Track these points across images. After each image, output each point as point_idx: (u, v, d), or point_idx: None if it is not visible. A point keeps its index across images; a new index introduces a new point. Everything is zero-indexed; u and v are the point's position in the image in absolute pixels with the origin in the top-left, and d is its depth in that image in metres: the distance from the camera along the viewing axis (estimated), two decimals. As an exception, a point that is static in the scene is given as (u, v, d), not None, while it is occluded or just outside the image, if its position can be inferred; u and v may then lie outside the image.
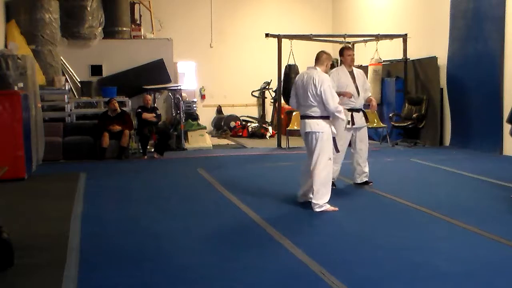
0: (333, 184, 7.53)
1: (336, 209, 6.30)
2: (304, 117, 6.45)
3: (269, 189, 7.58)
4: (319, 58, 6.45)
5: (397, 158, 10.54)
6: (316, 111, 6.32)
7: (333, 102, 6.25)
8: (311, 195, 6.42)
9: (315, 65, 6.46)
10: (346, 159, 7.73)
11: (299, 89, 6.46)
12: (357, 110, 7.56)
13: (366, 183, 7.72)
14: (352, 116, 7.45)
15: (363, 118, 7.65)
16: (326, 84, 6.25)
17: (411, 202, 6.67)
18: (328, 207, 6.28)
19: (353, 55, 7.67)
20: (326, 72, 6.49)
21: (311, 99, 6.29)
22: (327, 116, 6.33)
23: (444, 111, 12.36)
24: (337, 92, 7.00)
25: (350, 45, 7.89)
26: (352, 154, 7.74)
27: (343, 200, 7.02)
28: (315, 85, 6.23)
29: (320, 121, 6.31)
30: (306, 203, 6.52)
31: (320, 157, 6.28)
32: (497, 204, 6.59)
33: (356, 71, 7.68)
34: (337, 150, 6.58)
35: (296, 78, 6.72)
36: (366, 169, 7.74)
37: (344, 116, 6.44)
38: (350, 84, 7.50)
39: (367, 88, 7.77)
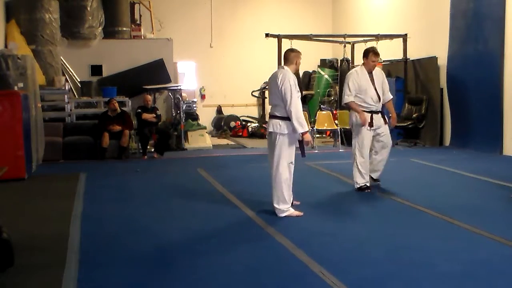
0: (368, 187, 7.39)
1: (301, 214, 6.09)
2: (270, 116, 6.25)
3: (269, 189, 7.55)
4: (287, 57, 6.20)
5: (397, 158, 10.51)
6: (280, 110, 6.05)
7: (293, 102, 5.89)
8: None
9: (284, 64, 6.23)
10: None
11: (269, 89, 6.35)
12: (377, 112, 7.42)
13: (374, 180, 7.57)
14: (371, 118, 7.32)
15: (381, 119, 7.46)
16: (288, 82, 5.94)
17: (411, 202, 6.67)
18: (291, 211, 6.08)
19: (377, 62, 7.42)
20: (297, 70, 6.30)
21: (275, 97, 6.09)
22: (287, 118, 5.98)
23: (444, 111, 12.36)
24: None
25: (377, 49, 7.60)
26: (372, 150, 7.54)
27: (343, 200, 7.03)
28: (277, 83, 6.01)
29: (283, 122, 6.01)
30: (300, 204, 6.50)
31: (280, 160, 6.03)
32: (497, 204, 6.60)
33: (375, 72, 7.45)
34: (303, 154, 6.23)
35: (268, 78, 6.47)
36: (382, 168, 7.57)
37: (301, 127, 5.92)
38: (369, 88, 7.32)
39: (385, 90, 7.54)
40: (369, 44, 13.40)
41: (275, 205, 6.08)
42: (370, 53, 7.35)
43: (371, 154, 7.54)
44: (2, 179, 6.95)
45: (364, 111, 7.34)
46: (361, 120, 7.32)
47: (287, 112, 5.96)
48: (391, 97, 7.69)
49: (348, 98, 7.38)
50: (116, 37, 13.63)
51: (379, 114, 7.47)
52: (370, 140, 7.40)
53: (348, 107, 7.54)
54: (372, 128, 7.36)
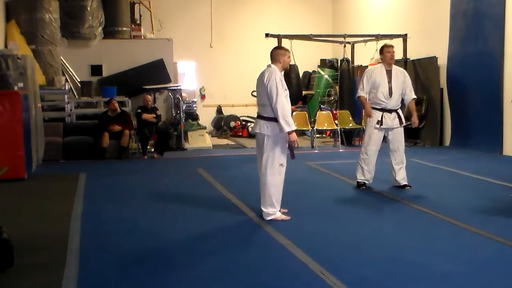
0: (364, 185, 7.46)
1: (288, 218, 5.90)
2: (257, 116, 6.10)
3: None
4: (272, 55, 6.01)
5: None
6: (267, 111, 5.83)
7: (278, 100, 5.68)
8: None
9: (270, 63, 6.00)
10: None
11: (256, 89, 6.16)
12: (389, 111, 7.34)
13: (403, 186, 7.46)
14: (382, 116, 7.30)
15: (397, 119, 7.36)
16: (273, 80, 5.73)
17: (411, 202, 6.67)
18: (278, 215, 5.88)
19: (393, 52, 7.40)
20: (285, 68, 6.04)
21: (263, 97, 5.86)
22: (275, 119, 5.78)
23: (444, 111, 12.36)
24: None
25: (391, 43, 7.64)
26: (389, 155, 7.52)
27: (342, 200, 7.03)
28: (263, 81, 5.83)
29: (270, 123, 5.81)
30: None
31: (269, 162, 5.82)
32: (497, 204, 6.59)
33: (396, 71, 7.43)
34: (292, 156, 5.95)
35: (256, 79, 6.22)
36: (402, 172, 7.46)
37: (288, 126, 5.70)
38: (383, 83, 7.29)
39: (407, 89, 7.43)
40: (369, 44, 13.47)
41: (262, 208, 5.93)
42: (383, 47, 7.42)
43: (390, 161, 7.49)
44: (2, 179, 6.92)
45: (375, 108, 7.34)
46: (366, 112, 7.37)
47: (273, 111, 5.77)
48: (413, 97, 7.54)
49: (359, 92, 7.46)
50: (116, 37, 13.63)
51: (393, 114, 7.36)
52: (379, 139, 7.38)
53: (359, 102, 7.58)
54: (381, 127, 7.32)
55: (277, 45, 6.46)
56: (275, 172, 5.85)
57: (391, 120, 7.35)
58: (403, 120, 7.47)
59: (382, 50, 7.43)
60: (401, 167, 7.47)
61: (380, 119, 7.30)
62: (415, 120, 7.59)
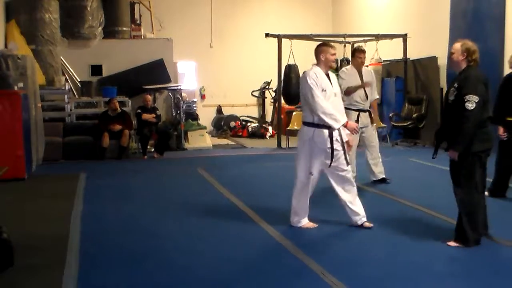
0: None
1: (315, 226, 5.68)
2: None
3: (269, 190, 7.58)
4: (315, 53, 5.52)
5: (397, 158, 10.52)
6: (304, 115, 5.59)
7: (316, 101, 5.27)
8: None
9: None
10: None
11: None
12: (364, 111, 7.65)
13: (383, 180, 7.78)
14: (358, 116, 7.52)
15: (369, 118, 7.70)
16: (305, 82, 5.35)
17: (410, 202, 6.68)
18: (305, 223, 5.67)
19: (364, 58, 7.68)
20: (328, 65, 5.48)
21: (301, 100, 5.65)
22: (310, 123, 5.44)
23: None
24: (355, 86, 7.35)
25: (363, 47, 7.90)
26: (365, 152, 7.82)
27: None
28: (300, 84, 5.55)
29: (303, 128, 5.54)
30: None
31: (297, 170, 5.61)
32: (496, 204, 6.58)
33: (364, 71, 7.72)
34: (330, 162, 5.48)
35: None
36: (379, 166, 7.79)
37: (336, 123, 5.32)
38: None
39: (373, 89, 7.79)
40: (369, 44, 13.45)
41: (291, 215, 5.72)
42: (356, 52, 7.69)
43: (366, 157, 7.79)
44: (2, 179, 6.94)
45: (352, 109, 7.53)
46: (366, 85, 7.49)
47: (312, 116, 5.38)
48: (377, 97, 7.93)
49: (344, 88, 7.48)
50: (116, 37, 13.62)
51: (367, 113, 7.69)
52: (357, 138, 7.52)
53: (349, 93, 7.56)
54: (359, 126, 7.43)
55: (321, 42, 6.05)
56: (300, 181, 5.61)
57: (366, 118, 7.66)
58: (373, 120, 7.84)
59: (353, 54, 7.70)
60: (378, 161, 7.78)
61: (356, 119, 7.50)
62: (376, 120, 7.87)
